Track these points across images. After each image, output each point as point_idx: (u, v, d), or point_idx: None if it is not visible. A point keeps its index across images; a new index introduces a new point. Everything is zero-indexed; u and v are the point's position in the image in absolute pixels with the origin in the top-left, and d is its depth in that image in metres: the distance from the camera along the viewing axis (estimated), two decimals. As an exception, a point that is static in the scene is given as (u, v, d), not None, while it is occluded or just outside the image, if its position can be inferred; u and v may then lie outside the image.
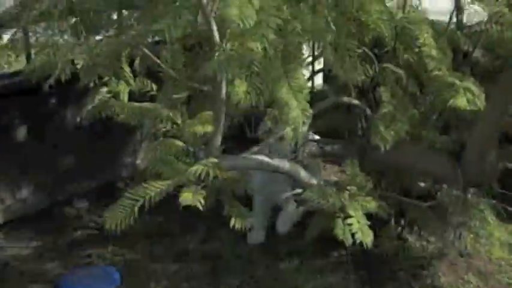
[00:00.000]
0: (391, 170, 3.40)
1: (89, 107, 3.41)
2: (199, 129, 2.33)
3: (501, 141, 3.00)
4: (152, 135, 2.78)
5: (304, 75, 2.56)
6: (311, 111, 2.47)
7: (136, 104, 2.51)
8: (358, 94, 3.40)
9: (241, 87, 2.24)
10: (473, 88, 2.76)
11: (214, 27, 2.30)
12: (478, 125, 2.80)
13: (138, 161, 4.64)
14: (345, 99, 3.15)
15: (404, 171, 3.36)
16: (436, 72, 2.81)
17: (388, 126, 2.89)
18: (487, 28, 3.06)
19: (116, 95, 3.11)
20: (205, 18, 2.27)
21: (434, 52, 2.81)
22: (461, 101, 2.64)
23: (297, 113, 2.36)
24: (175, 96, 2.48)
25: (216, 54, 2.20)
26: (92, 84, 3.17)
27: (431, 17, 3.33)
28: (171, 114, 2.43)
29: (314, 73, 3.92)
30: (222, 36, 2.31)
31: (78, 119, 4.13)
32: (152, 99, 2.67)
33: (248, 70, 2.29)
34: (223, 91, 2.40)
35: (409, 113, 3.04)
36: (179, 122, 2.46)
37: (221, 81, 2.38)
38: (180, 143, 2.43)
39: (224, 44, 2.27)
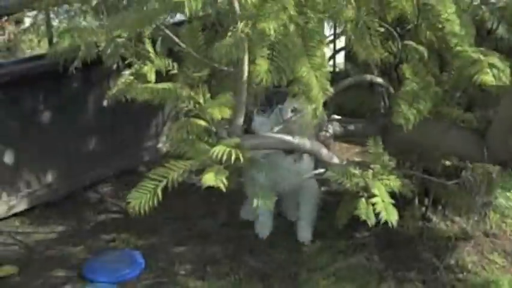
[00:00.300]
0: (414, 148, 3.37)
1: (113, 90, 3.42)
2: (217, 113, 2.31)
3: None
4: (174, 116, 2.78)
5: (324, 53, 2.54)
6: (332, 89, 2.45)
7: (157, 84, 2.50)
8: (380, 72, 3.36)
9: (263, 67, 2.23)
10: (499, 63, 2.71)
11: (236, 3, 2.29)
12: (504, 102, 2.74)
13: (160, 145, 4.66)
14: (367, 77, 3.11)
15: (428, 150, 3.32)
16: (459, 48, 2.76)
17: (411, 105, 2.86)
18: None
19: (139, 77, 3.13)
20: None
21: (457, 28, 2.75)
22: (486, 77, 2.60)
23: (318, 92, 2.34)
24: (195, 74, 2.47)
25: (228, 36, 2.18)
26: (115, 66, 3.22)
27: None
28: (192, 93, 2.41)
29: (336, 52, 3.89)
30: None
31: (101, 103, 4.14)
32: (173, 79, 2.66)
33: (269, 49, 2.27)
34: (245, 70, 2.39)
35: (432, 91, 2.99)
36: (201, 101, 2.44)
37: (242, 60, 2.37)
38: (202, 122, 2.42)
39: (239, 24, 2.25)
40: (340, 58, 4.92)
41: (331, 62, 4.00)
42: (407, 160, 3.53)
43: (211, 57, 2.50)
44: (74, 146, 4.20)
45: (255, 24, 2.29)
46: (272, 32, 2.25)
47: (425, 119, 2.90)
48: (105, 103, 4.04)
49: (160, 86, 2.44)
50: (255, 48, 2.35)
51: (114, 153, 4.38)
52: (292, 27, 2.41)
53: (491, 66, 2.68)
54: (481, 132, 2.96)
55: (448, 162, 3.46)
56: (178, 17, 3.00)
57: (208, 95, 2.48)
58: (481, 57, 2.71)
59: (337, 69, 4.77)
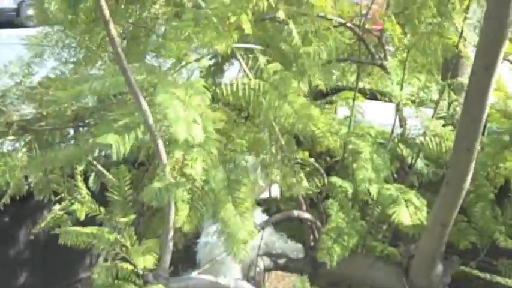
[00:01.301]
0: (343, 281, 3.43)
1: (41, 224, 3.41)
2: (141, 262, 2.34)
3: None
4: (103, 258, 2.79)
5: (251, 199, 2.62)
6: (257, 232, 2.52)
7: (84, 228, 2.51)
8: (310, 205, 3.47)
9: (183, 213, 2.29)
10: (416, 200, 2.87)
11: (161, 147, 2.37)
12: (423, 237, 2.87)
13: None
14: (294, 213, 3.21)
15: (356, 283, 3.39)
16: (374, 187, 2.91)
17: (336, 241, 2.95)
18: (427, 140, 3.21)
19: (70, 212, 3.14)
20: (153, 137, 2.34)
21: (368, 173, 2.92)
22: (404, 216, 2.74)
23: (241, 235, 2.40)
24: (122, 219, 2.50)
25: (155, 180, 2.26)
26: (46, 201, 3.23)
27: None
28: (118, 238, 2.44)
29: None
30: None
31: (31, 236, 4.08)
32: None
33: (190, 193, 2.35)
34: (172, 214, 2.44)
35: (358, 225, 3.11)
36: (128, 244, 2.46)
37: (169, 204, 2.42)
38: (128, 266, 2.43)
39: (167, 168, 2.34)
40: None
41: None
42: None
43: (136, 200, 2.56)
44: (4, 281, 4.06)
45: (181, 169, 2.39)
46: (198, 178, 2.36)
47: (352, 252, 2.99)
48: (31, 237, 3.97)
49: (87, 230, 2.45)
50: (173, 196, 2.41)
51: (47, 286, 4.26)
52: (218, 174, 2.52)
53: (409, 202, 2.84)
54: (404, 267, 3.06)
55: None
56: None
57: (135, 238, 2.50)
58: (399, 195, 2.87)
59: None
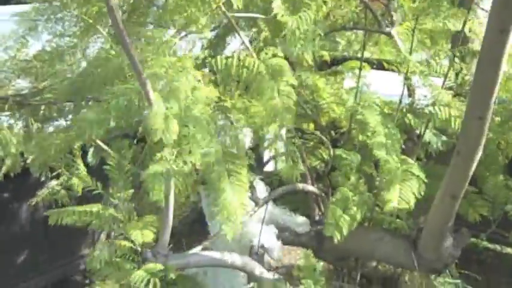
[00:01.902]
0: (350, 255, 3.35)
1: (37, 198, 3.36)
2: (139, 236, 2.27)
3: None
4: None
5: (247, 176, 2.53)
6: (251, 205, 2.43)
7: (79, 207, 2.44)
8: (315, 178, 3.38)
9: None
10: (414, 169, 2.77)
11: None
12: (432, 211, 2.77)
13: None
14: (299, 186, 3.11)
15: (363, 257, 3.31)
16: (384, 158, 2.81)
17: (343, 212, 2.86)
18: (436, 110, 3.10)
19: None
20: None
21: (382, 140, 2.81)
22: (393, 196, 2.66)
23: (235, 208, 2.31)
24: (119, 194, 2.42)
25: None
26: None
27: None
28: (115, 214, 2.36)
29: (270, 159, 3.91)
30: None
31: (34, 212, 4.02)
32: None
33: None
34: (170, 189, 2.36)
35: (365, 197, 3.02)
36: (125, 222, 2.38)
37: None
38: (127, 243, 2.35)
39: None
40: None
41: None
42: (345, 266, 3.50)
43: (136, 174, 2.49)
44: (5, 258, 4.02)
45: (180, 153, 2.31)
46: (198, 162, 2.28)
47: (359, 226, 2.90)
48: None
49: (83, 208, 2.38)
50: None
51: (48, 262, 4.21)
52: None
53: (412, 175, 2.75)
54: (413, 240, 2.97)
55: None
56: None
57: (134, 214, 2.43)
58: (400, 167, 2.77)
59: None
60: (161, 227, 2.41)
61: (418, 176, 2.74)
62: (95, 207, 2.39)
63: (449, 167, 2.59)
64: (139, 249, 2.39)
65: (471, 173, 2.56)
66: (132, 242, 2.38)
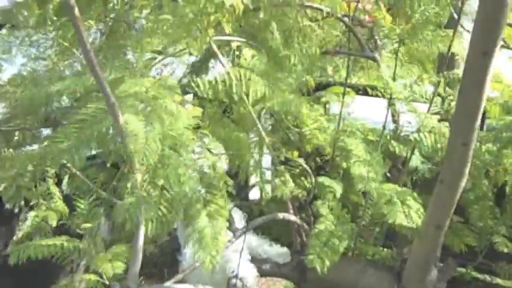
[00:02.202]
0: (333, 287, 3.23)
1: (19, 234, 3.22)
2: (109, 269, 2.15)
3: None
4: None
5: (225, 205, 2.43)
6: (230, 237, 2.34)
7: (42, 242, 2.33)
8: (297, 208, 3.28)
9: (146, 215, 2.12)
10: (412, 202, 2.67)
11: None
12: (416, 241, 2.67)
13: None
14: (280, 215, 3.01)
15: (347, 288, 3.19)
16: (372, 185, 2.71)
17: (326, 244, 2.76)
18: (421, 137, 3.01)
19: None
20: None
21: (363, 170, 2.72)
22: (399, 217, 2.55)
23: (214, 241, 2.22)
24: (84, 226, 2.31)
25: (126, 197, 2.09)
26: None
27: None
28: (81, 245, 2.25)
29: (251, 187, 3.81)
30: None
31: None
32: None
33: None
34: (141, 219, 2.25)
35: (349, 228, 2.91)
36: (93, 253, 2.27)
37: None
38: (92, 277, 2.24)
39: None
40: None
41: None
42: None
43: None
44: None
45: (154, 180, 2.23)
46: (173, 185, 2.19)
47: (342, 256, 2.80)
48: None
49: (45, 242, 2.27)
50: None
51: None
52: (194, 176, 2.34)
53: (404, 204, 2.65)
54: (397, 272, 2.86)
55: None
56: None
57: (102, 245, 2.31)
58: (393, 195, 2.67)
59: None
60: (131, 258, 2.30)
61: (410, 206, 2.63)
62: (59, 240, 2.28)
63: (433, 196, 2.49)
64: (107, 282, 2.27)
65: (455, 202, 2.47)
66: (99, 275, 2.26)
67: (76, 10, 2.05)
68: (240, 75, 2.52)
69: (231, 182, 2.63)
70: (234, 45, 2.65)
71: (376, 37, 3.52)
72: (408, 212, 2.63)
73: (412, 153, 3.18)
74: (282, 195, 2.91)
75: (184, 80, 3.66)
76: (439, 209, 2.51)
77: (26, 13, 2.83)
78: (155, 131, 2.11)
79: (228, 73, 2.55)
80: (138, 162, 2.10)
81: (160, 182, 2.24)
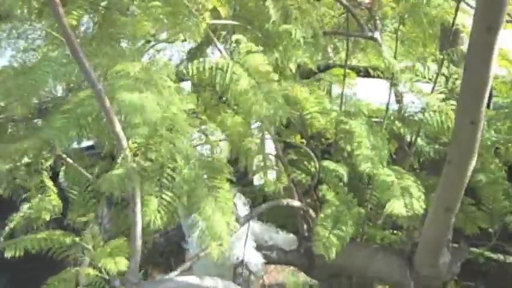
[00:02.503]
0: (342, 272, 3.15)
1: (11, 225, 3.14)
2: (113, 265, 2.07)
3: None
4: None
5: (230, 188, 2.34)
6: (237, 224, 2.25)
7: (36, 235, 2.25)
8: (303, 193, 3.19)
9: (151, 206, 2.02)
10: (413, 188, 2.56)
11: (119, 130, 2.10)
12: (427, 223, 2.58)
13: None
14: (283, 201, 2.93)
15: (357, 274, 3.11)
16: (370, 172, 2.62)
17: (332, 230, 2.67)
18: (426, 117, 2.92)
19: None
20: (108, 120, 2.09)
21: (368, 152, 2.62)
22: (398, 206, 2.44)
23: (222, 228, 2.13)
24: (80, 218, 2.23)
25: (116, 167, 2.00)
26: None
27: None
28: (77, 239, 2.17)
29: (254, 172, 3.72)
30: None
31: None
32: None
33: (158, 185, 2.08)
34: (139, 212, 2.15)
35: (355, 211, 2.82)
36: (90, 247, 2.19)
37: (134, 198, 2.14)
38: (91, 272, 2.15)
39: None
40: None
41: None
42: (337, 284, 3.29)
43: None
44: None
45: (145, 153, 2.14)
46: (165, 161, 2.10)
47: (351, 241, 2.71)
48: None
49: (41, 235, 2.18)
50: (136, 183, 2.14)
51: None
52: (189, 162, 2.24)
53: (405, 190, 2.54)
54: (407, 256, 2.77)
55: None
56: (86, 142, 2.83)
57: (99, 238, 2.23)
58: (395, 181, 2.57)
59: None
60: (130, 251, 2.21)
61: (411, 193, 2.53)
62: (55, 234, 2.19)
63: (441, 178, 2.40)
64: (106, 277, 2.19)
65: (465, 183, 2.37)
66: (99, 270, 2.17)
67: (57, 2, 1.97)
68: (227, 67, 2.39)
69: (230, 168, 2.55)
70: (233, 38, 2.52)
71: (376, 17, 3.41)
72: (409, 201, 2.52)
73: (418, 134, 3.09)
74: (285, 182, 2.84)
75: (181, 67, 3.57)
76: (448, 190, 2.42)
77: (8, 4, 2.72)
78: (152, 102, 2.02)
79: (215, 61, 2.44)
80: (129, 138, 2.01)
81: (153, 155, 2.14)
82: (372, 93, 3.74)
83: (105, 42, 3.16)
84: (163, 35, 3.05)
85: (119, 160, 2.06)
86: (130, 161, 2.07)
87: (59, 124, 2.09)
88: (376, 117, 3.20)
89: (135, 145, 2.10)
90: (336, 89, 3.74)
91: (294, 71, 3.08)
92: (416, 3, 2.96)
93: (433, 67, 3.16)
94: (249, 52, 2.46)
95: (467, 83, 2.24)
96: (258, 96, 2.25)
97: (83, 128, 2.12)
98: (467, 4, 3.08)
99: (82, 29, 3.27)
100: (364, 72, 3.95)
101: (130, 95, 1.94)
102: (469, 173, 2.36)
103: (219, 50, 2.80)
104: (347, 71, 3.25)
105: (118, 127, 2.10)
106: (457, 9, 2.88)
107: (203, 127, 2.71)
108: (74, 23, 2.98)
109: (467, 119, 2.26)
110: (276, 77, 2.39)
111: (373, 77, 3.88)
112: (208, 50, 3.71)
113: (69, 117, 2.12)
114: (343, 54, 4.10)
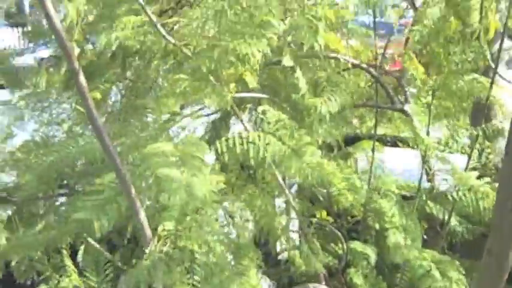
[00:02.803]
0: None
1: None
2: None
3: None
4: None
5: (255, 274, 2.23)
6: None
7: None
8: (330, 275, 3.04)
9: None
10: (453, 273, 2.42)
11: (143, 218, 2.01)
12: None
13: None
14: (309, 286, 2.78)
15: None
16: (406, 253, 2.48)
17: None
18: (460, 196, 2.78)
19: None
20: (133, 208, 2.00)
21: (400, 236, 2.50)
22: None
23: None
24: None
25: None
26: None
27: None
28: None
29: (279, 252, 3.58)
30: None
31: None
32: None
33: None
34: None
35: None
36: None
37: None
38: None
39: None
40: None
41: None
42: None
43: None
44: None
45: (175, 241, 2.04)
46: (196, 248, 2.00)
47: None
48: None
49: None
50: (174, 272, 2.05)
51: None
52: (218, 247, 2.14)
53: (444, 276, 2.40)
54: None
55: None
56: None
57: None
58: (432, 265, 2.43)
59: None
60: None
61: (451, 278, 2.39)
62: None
63: (479, 269, 2.25)
64: None
65: (506, 276, 2.22)
66: None
67: (81, 77, 1.90)
68: (260, 139, 2.31)
69: (258, 252, 2.44)
70: (259, 109, 2.46)
71: (406, 88, 3.33)
72: (449, 285, 2.38)
73: (451, 214, 2.95)
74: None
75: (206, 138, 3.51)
76: (487, 283, 2.25)
77: (34, 79, 2.69)
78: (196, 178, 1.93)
79: (246, 136, 2.35)
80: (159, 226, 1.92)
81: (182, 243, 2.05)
82: (398, 161, 3.64)
83: (130, 114, 3.13)
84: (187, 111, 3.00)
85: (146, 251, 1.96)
86: (157, 251, 1.97)
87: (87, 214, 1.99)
88: (405, 192, 3.09)
89: (165, 232, 1.99)
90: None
91: (320, 143, 2.98)
92: (449, 77, 2.88)
93: (465, 140, 3.05)
94: (278, 121, 2.39)
95: (508, 166, 2.11)
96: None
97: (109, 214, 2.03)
98: (501, 76, 3.00)
99: (110, 101, 3.26)
100: (392, 143, 3.85)
101: (174, 171, 1.84)
102: (510, 264, 2.20)
103: (242, 123, 2.73)
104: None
105: (142, 214, 2.01)
106: (491, 84, 2.79)
107: (227, 206, 2.62)
108: (99, 96, 2.96)
109: (509, 206, 2.12)
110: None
111: (400, 147, 3.78)
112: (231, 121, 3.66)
113: (95, 204, 2.03)
114: (369, 123, 4.03)
